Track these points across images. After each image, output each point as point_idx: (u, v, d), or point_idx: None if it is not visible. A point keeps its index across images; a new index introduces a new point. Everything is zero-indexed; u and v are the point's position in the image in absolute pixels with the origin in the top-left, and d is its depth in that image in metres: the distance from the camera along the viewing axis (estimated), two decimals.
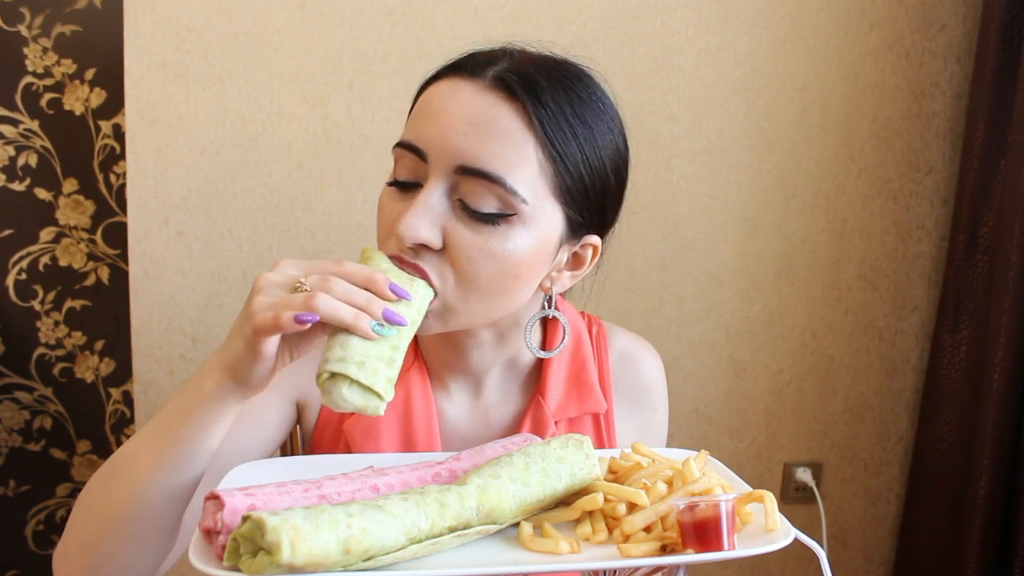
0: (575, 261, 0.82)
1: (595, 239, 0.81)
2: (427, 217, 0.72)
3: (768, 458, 1.79)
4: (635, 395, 0.94)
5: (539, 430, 0.86)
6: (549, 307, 0.83)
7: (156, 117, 1.49)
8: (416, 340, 0.88)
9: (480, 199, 0.72)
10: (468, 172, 0.71)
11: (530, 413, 0.87)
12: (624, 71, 1.60)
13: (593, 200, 0.78)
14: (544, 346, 0.89)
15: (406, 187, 0.76)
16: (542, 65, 0.77)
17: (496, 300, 0.76)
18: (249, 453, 0.82)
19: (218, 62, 1.49)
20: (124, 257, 1.57)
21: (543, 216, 0.74)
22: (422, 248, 0.73)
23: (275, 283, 0.65)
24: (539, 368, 0.89)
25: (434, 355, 0.88)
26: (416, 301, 0.69)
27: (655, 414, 0.96)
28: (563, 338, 0.86)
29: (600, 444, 0.90)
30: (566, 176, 0.75)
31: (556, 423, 0.87)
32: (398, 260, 0.73)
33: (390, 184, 0.78)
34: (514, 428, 0.88)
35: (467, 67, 0.76)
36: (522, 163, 0.72)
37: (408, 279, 0.70)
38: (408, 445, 0.85)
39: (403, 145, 0.76)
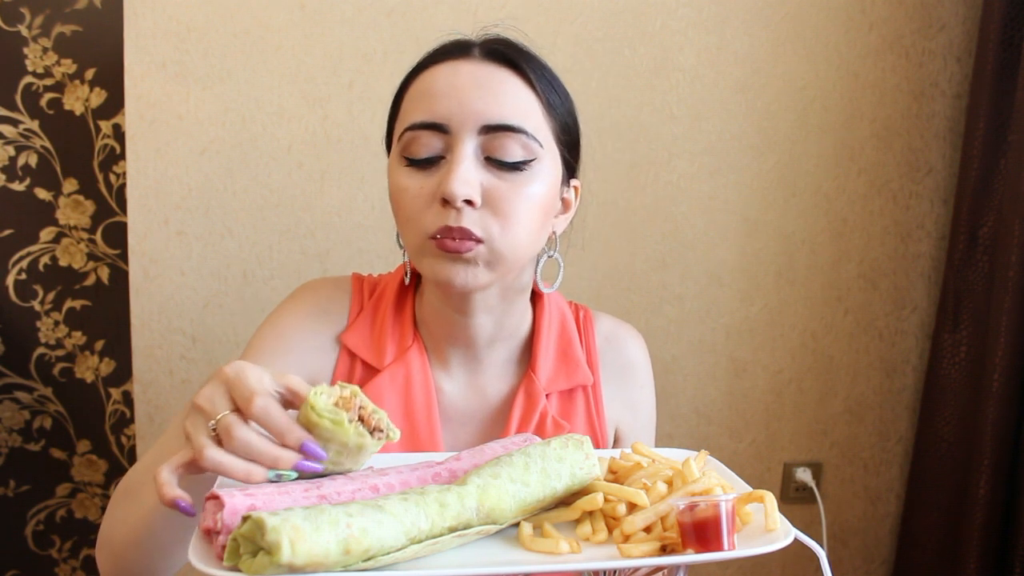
0: (564, 205, 0.92)
1: (576, 181, 0.93)
2: (469, 175, 0.79)
3: (768, 458, 1.79)
4: (620, 372, 0.99)
5: (532, 403, 0.91)
6: (552, 250, 0.91)
7: (156, 117, 1.49)
8: (415, 319, 0.93)
9: (507, 150, 0.80)
10: (493, 129, 0.80)
11: (523, 387, 0.92)
12: (624, 71, 1.60)
13: (575, 143, 0.90)
14: (534, 323, 0.95)
15: (426, 163, 0.82)
16: (507, 40, 0.88)
17: (532, 237, 0.84)
18: None
19: (218, 62, 1.49)
20: (124, 257, 1.57)
21: (551, 157, 0.85)
22: (466, 206, 0.79)
23: (200, 410, 0.64)
24: (530, 347, 0.95)
25: (437, 330, 0.92)
26: (349, 454, 0.65)
27: (641, 390, 1.01)
28: (558, 276, 0.93)
29: (589, 414, 0.95)
30: (559, 121, 0.86)
31: (547, 396, 0.92)
32: (444, 234, 0.79)
33: (409, 163, 0.83)
34: (509, 403, 0.92)
35: (453, 51, 0.85)
36: (530, 113, 0.82)
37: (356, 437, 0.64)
38: (408, 419, 0.89)
39: (420, 125, 0.81)
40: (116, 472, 1.65)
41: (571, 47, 1.58)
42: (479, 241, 0.79)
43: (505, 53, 0.84)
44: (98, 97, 1.54)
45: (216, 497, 0.61)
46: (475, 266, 0.81)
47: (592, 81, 1.59)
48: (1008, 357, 1.54)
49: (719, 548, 0.61)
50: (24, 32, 1.50)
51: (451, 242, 0.79)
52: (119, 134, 1.55)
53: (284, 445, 0.63)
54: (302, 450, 0.63)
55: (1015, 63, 1.55)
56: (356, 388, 0.66)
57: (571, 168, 0.90)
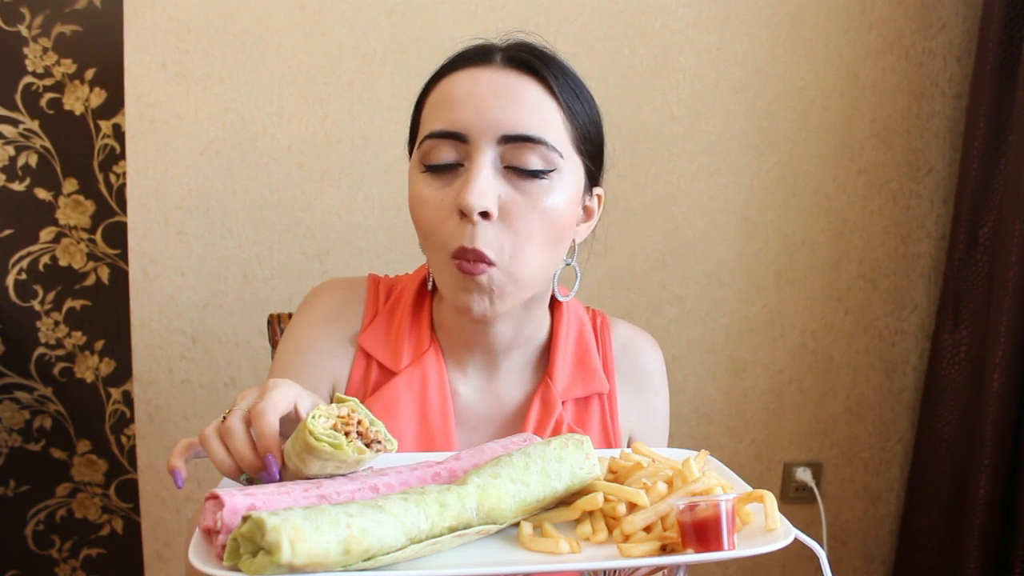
0: (586, 213, 0.91)
1: (600, 189, 0.92)
2: (487, 186, 0.78)
3: (768, 458, 1.79)
4: (636, 379, 0.99)
5: (548, 410, 0.91)
6: (570, 258, 0.90)
7: (156, 117, 1.49)
8: (432, 323, 0.93)
9: (526, 161, 0.80)
10: (511, 139, 0.79)
11: (539, 394, 0.92)
12: (624, 71, 1.60)
13: (597, 151, 0.89)
14: (552, 329, 0.95)
15: (445, 171, 0.81)
16: (531, 45, 0.87)
17: (547, 252, 0.83)
18: None
19: (218, 62, 1.49)
20: (124, 257, 1.57)
21: (572, 168, 0.84)
22: (482, 220, 0.78)
23: (234, 401, 0.69)
24: (547, 353, 0.95)
25: (457, 335, 0.92)
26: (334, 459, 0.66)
27: (656, 398, 1.00)
28: (575, 284, 0.93)
29: (604, 423, 0.95)
30: (581, 129, 0.85)
31: (563, 403, 0.92)
32: (461, 255, 0.79)
33: (427, 171, 0.82)
34: (525, 409, 0.92)
35: (474, 57, 0.84)
36: (550, 123, 0.81)
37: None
38: (423, 423, 0.89)
39: (439, 135, 0.81)
40: (116, 472, 1.65)
41: (571, 47, 1.57)
42: (491, 264, 0.79)
43: (526, 60, 0.83)
44: (98, 97, 1.54)
45: (216, 497, 0.61)
46: (490, 293, 0.81)
47: (592, 81, 1.56)
48: (1008, 357, 1.54)
49: (719, 548, 0.61)
50: (24, 32, 1.50)
51: (467, 264, 0.79)
52: (119, 134, 1.55)
53: (257, 449, 0.66)
54: (267, 459, 0.65)
55: (1015, 63, 1.55)
56: (353, 403, 0.67)
57: (593, 176, 0.88)
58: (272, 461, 0.65)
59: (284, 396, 0.67)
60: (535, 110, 0.81)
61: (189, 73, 1.49)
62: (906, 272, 1.76)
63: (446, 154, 0.81)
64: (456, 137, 0.80)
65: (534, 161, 0.80)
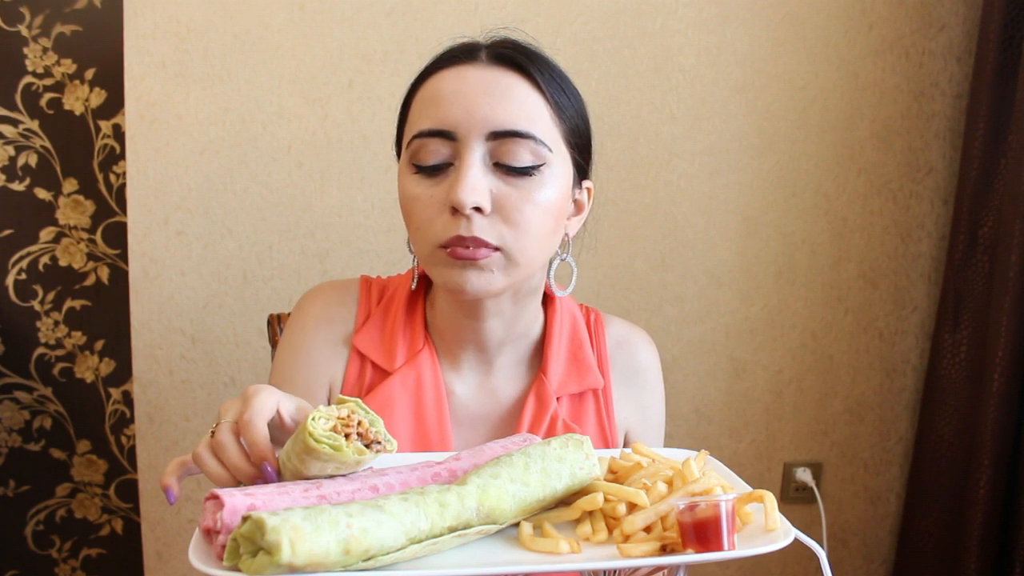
0: (577, 207, 0.91)
1: (589, 183, 0.92)
2: (478, 182, 0.79)
3: (768, 458, 1.79)
4: (631, 375, 0.99)
5: (542, 406, 0.91)
6: (565, 252, 0.91)
7: (156, 117, 1.49)
8: (426, 322, 0.94)
9: (515, 156, 0.80)
10: (500, 135, 0.80)
11: (534, 390, 0.92)
12: (624, 71, 1.60)
13: (585, 144, 0.89)
14: (546, 326, 0.95)
15: (435, 170, 0.81)
16: (515, 42, 0.87)
17: (545, 242, 0.84)
18: None
19: (218, 62, 1.49)
20: (124, 257, 1.57)
21: (562, 161, 0.84)
22: (476, 213, 0.79)
23: (218, 414, 0.69)
24: (541, 349, 0.95)
25: (449, 334, 0.92)
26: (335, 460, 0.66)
27: (651, 394, 1.01)
28: (572, 280, 0.93)
29: (599, 419, 0.95)
30: (569, 124, 0.85)
31: (558, 399, 0.92)
32: (456, 243, 0.79)
33: (417, 171, 0.82)
34: (520, 406, 0.93)
35: (460, 55, 0.84)
36: (539, 118, 0.82)
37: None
38: (419, 422, 0.90)
39: (427, 133, 0.81)
40: (116, 472, 1.65)
41: (571, 47, 1.58)
42: (496, 249, 0.80)
43: (512, 56, 0.83)
44: (98, 97, 1.54)
45: (216, 497, 0.61)
46: (488, 272, 0.81)
47: (592, 81, 1.59)
48: (1008, 357, 1.54)
49: (719, 548, 0.61)
50: (24, 32, 1.50)
51: (463, 250, 0.79)
52: (119, 134, 1.55)
53: (251, 458, 0.66)
54: (263, 468, 0.65)
55: (1015, 63, 1.55)
56: (354, 403, 0.67)
57: (582, 170, 0.89)
58: (268, 468, 0.65)
59: (267, 402, 0.67)
60: (523, 105, 0.81)
61: (189, 73, 1.49)
62: (906, 272, 1.76)
63: (435, 152, 0.81)
64: (445, 135, 0.80)
65: (523, 156, 0.80)
